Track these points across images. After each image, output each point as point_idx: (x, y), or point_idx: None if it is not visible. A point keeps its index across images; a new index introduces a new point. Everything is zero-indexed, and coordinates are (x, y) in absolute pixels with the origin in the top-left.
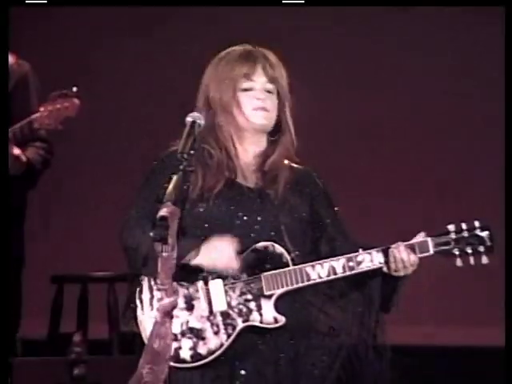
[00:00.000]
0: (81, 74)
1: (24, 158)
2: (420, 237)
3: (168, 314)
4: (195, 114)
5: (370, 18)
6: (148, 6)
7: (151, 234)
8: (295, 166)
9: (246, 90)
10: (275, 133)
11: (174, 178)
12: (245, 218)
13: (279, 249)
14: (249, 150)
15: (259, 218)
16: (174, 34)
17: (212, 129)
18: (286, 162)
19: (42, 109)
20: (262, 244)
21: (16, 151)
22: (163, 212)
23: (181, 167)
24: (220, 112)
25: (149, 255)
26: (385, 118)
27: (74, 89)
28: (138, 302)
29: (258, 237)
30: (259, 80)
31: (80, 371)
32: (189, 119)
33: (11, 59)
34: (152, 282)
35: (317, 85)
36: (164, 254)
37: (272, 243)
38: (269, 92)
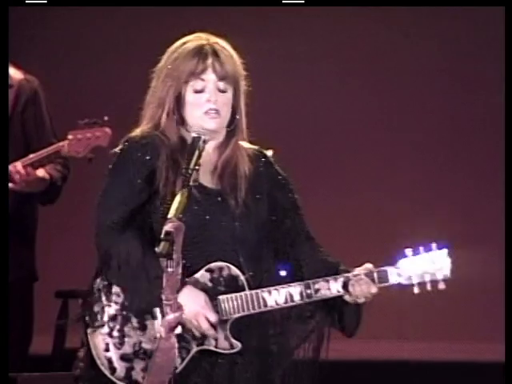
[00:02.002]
0: (80, 74)
1: (47, 177)
2: (366, 268)
3: (173, 329)
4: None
5: (370, 17)
6: (149, 7)
7: (156, 249)
8: (250, 151)
9: (197, 91)
10: (231, 123)
11: (179, 193)
12: (204, 231)
13: (235, 271)
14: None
15: (216, 232)
16: (173, 34)
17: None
18: (242, 147)
19: (70, 136)
20: (216, 264)
21: (40, 173)
22: (168, 227)
23: (186, 183)
24: (167, 110)
25: (128, 264)
26: (385, 121)
27: (106, 118)
28: (87, 316)
29: (214, 253)
30: (210, 79)
31: None
32: (194, 135)
33: (19, 75)
34: (104, 303)
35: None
36: (169, 270)
37: (227, 264)
38: (222, 91)
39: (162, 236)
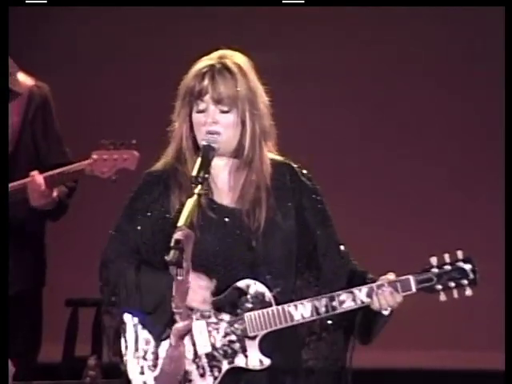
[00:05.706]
0: (80, 74)
1: (56, 198)
2: (388, 278)
3: (182, 337)
4: (210, 137)
5: (370, 17)
6: (149, 7)
7: (166, 257)
8: (275, 163)
9: (200, 111)
10: (242, 142)
11: (189, 201)
12: (227, 251)
13: (261, 287)
14: (218, 164)
15: (240, 252)
16: (173, 35)
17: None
18: (265, 161)
19: (95, 156)
20: (243, 282)
21: (53, 193)
22: (178, 235)
23: (195, 191)
24: (185, 129)
25: (132, 291)
26: (386, 122)
27: (134, 141)
28: (123, 343)
29: (238, 272)
30: (210, 100)
31: None
32: (204, 143)
33: (30, 81)
34: (139, 327)
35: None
36: (179, 278)
37: (254, 281)
38: (224, 112)
39: (172, 244)
